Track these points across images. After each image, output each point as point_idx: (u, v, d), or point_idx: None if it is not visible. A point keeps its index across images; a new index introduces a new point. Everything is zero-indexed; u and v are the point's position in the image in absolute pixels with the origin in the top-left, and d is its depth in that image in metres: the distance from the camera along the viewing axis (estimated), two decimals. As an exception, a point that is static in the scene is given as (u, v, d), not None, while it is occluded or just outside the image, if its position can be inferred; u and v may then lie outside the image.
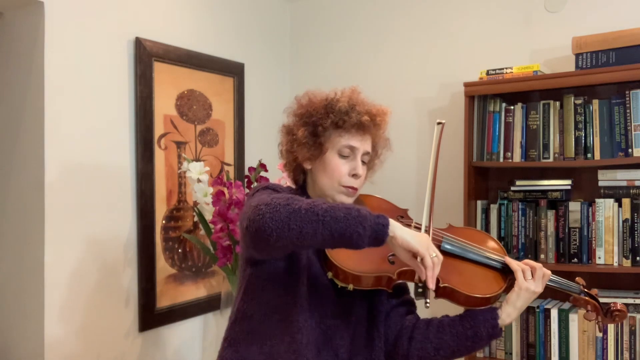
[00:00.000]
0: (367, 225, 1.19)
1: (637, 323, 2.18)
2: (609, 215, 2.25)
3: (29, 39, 2.06)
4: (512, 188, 2.46)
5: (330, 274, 1.38)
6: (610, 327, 2.21)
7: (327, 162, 1.43)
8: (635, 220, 2.21)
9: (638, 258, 2.20)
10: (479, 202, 2.52)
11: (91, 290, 2.18)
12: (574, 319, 2.27)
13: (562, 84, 2.30)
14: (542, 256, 2.36)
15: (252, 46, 2.98)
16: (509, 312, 1.42)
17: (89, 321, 2.17)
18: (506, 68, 2.44)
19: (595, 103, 2.29)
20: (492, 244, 1.56)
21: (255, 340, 1.38)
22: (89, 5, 2.17)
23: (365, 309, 1.46)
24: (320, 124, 1.43)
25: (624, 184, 2.25)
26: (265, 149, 2.72)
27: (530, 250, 2.39)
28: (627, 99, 2.22)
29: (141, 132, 2.34)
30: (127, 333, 2.31)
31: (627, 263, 2.22)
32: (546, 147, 2.36)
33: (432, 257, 1.25)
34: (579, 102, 2.31)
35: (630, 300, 2.23)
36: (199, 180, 2.33)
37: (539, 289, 1.42)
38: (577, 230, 2.31)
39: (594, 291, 1.55)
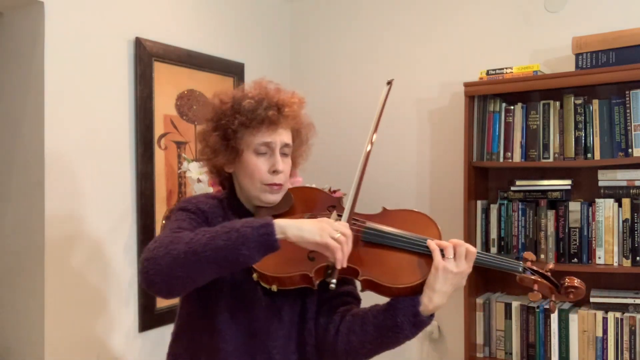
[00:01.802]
0: (250, 244, 1.15)
1: (637, 323, 2.18)
2: (609, 215, 2.25)
3: (29, 39, 2.06)
4: (512, 188, 2.46)
5: (255, 276, 1.34)
6: (611, 327, 2.22)
7: (246, 163, 1.39)
8: (635, 220, 2.21)
9: (638, 258, 2.20)
10: (479, 202, 2.52)
11: (91, 290, 2.18)
12: (574, 319, 2.27)
13: (562, 84, 2.30)
14: (542, 256, 2.36)
15: (252, 46, 2.98)
16: (430, 296, 1.29)
17: (89, 321, 2.17)
18: (506, 68, 2.44)
19: (595, 103, 2.29)
20: (427, 226, 1.42)
21: (194, 354, 1.39)
22: (89, 6, 2.17)
23: (298, 306, 1.42)
24: (229, 126, 1.38)
25: (624, 184, 2.25)
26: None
27: (530, 250, 2.38)
28: (627, 99, 2.22)
29: (141, 132, 2.34)
30: (127, 333, 2.31)
31: (627, 263, 2.22)
32: (546, 147, 2.36)
33: (336, 237, 1.20)
34: (579, 102, 2.31)
35: (630, 300, 2.23)
36: (199, 180, 2.33)
37: (461, 268, 1.30)
38: (577, 230, 2.31)
39: (549, 266, 1.40)
